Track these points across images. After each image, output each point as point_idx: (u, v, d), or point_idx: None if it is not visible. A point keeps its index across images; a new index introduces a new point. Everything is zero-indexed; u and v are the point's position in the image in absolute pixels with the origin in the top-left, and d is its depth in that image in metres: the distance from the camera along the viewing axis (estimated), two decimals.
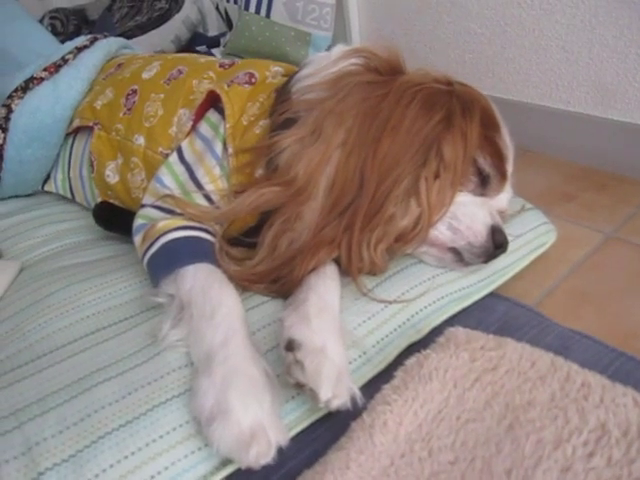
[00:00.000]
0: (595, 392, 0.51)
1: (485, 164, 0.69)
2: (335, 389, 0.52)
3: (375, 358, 0.62)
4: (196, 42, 1.56)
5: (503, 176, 0.71)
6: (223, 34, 1.54)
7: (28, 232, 0.96)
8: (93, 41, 1.06)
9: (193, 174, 0.75)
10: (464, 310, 0.69)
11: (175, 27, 1.50)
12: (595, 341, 0.65)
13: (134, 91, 0.90)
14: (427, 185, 0.65)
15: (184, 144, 0.79)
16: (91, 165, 0.92)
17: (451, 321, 0.67)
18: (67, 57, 1.01)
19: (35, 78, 0.97)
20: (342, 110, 0.67)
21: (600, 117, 1.06)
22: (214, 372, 0.53)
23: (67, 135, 1.00)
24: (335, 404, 0.52)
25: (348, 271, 0.66)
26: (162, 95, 0.86)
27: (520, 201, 0.85)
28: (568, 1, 1.02)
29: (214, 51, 1.52)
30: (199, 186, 0.74)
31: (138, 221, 0.74)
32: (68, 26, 1.47)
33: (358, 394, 0.54)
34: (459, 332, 0.59)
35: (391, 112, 0.66)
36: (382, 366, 0.62)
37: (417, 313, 0.66)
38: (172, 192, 0.74)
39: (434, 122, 0.66)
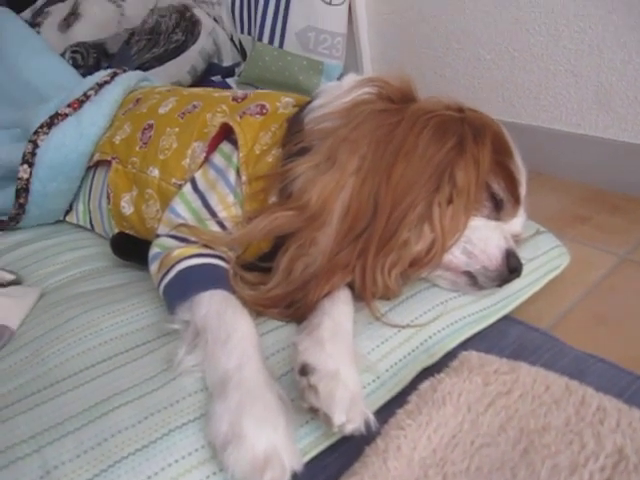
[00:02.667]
0: (611, 416, 0.51)
1: (498, 189, 0.70)
2: (349, 414, 0.52)
3: (389, 382, 0.62)
4: (211, 72, 1.60)
5: (517, 200, 0.72)
6: (237, 64, 1.58)
7: (48, 259, 0.98)
8: (113, 76, 1.09)
9: (206, 202, 0.77)
10: (478, 334, 0.70)
11: (191, 58, 1.54)
12: (611, 364, 0.65)
13: (150, 126, 0.92)
14: (440, 210, 0.66)
15: (197, 174, 0.81)
16: (108, 197, 0.94)
17: (465, 345, 0.67)
18: (89, 93, 1.04)
19: (59, 114, 1.00)
20: (356, 138, 0.69)
21: (611, 139, 1.06)
22: (229, 397, 0.54)
23: (88, 168, 1.02)
24: (349, 429, 0.52)
25: (362, 295, 0.67)
26: (177, 129, 0.89)
27: (533, 225, 0.86)
28: (576, 27, 1.04)
29: (229, 80, 1.56)
30: (212, 213, 0.76)
31: (154, 250, 0.76)
32: (88, 59, 1.52)
33: (372, 419, 0.54)
34: (472, 356, 0.60)
35: (404, 139, 0.67)
36: (396, 390, 0.62)
37: (430, 337, 0.66)
38: (186, 221, 0.76)
39: (446, 148, 0.67)
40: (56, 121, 1.00)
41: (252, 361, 0.58)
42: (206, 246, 0.73)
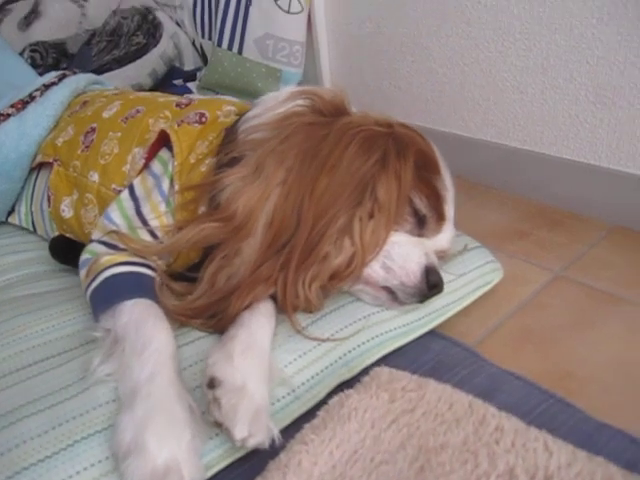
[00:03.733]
0: (507, 436, 0.52)
1: (421, 205, 0.71)
2: (251, 428, 0.53)
3: (304, 396, 0.62)
4: (173, 76, 1.60)
5: (441, 217, 0.73)
6: (199, 69, 1.58)
7: None
8: (62, 78, 1.08)
9: (139, 209, 0.77)
10: (400, 348, 0.70)
11: (152, 61, 1.53)
12: (526, 382, 0.66)
13: (93, 129, 0.92)
14: (361, 225, 0.67)
15: (136, 181, 0.81)
16: (48, 200, 0.93)
17: (386, 360, 0.68)
18: (34, 94, 1.03)
19: (1, 114, 0.99)
20: (283, 150, 0.69)
21: (555, 156, 1.08)
22: (136, 408, 0.54)
23: (32, 170, 1.01)
24: (251, 443, 0.53)
25: (283, 308, 0.67)
26: (119, 134, 0.88)
27: (465, 240, 0.87)
28: (522, 44, 1.06)
29: (190, 85, 1.55)
30: (144, 222, 0.76)
31: (84, 256, 0.76)
32: (47, 59, 1.50)
33: (276, 433, 0.54)
34: (383, 372, 0.60)
35: (330, 153, 0.68)
36: (311, 404, 0.62)
37: (350, 352, 0.67)
38: (119, 228, 0.76)
39: (370, 163, 0.68)
40: None
41: (165, 372, 0.58)
42: (136, 254, 0.73)
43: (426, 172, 0.71)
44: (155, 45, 1.52)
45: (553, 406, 0.62)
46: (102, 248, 0.74)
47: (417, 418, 0.55)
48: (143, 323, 0.63)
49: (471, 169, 1.20)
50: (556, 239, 1.01)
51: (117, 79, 1.52)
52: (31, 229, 1.04)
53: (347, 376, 0.65)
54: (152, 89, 1.58)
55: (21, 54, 1.53)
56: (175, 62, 1.61)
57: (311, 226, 0.66)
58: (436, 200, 0.72)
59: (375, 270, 0.68)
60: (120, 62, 1.50)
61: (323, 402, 0.60)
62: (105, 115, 0.94)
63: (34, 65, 1.50)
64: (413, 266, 0.68)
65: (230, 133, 0.78)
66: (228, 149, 0.74)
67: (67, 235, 0.93)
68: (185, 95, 1.01)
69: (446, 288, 0.76)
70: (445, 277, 0.76)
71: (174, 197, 0.76)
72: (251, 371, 0.58)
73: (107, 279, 0.69)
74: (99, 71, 1.50)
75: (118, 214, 0.78)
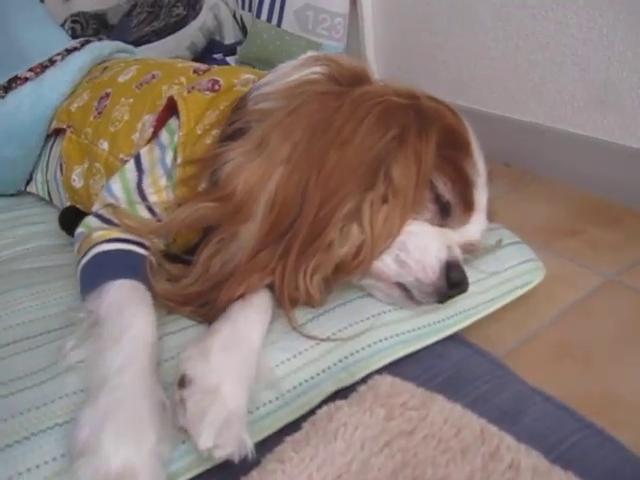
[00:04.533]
0: (523, 476, 0.42)
1: (445, 190, 0.61)
2: (219, 437, 0.46)
3: (294, 402, 0.55)
4: (213, 50, 1.54)
5: (469, 205, 0.63)
6: (239, 42, 1.51)
7: (2, 232, 0.95)
8: (85, 43, 1.04)
9: (140, 183, 0.71)
10: (414, 354, 0.61)
11: (191, 34, 1.48)
12: (558, 406, 0.55)
13: (107, 94, 0.87)
14: (372, 210, 0.58)
15: (143, 151, 0.75)
16: (61, 168, 0.89)
17: (394, 366, 0.59)
18: (55, 58, 1.00)
19: (19, 78, 0.96)
20: (291, 122, 0.61)
21: (617, 144, 0.94)
22: (99, 401, 0.48)
23: (48, 137, 0.98)
24: (218, 455, 0.46)
25: (280, 301, 0.59)
26: (131, 100, 0.83)
27: (502, 234, 0.76)
28: (585, 14, 0.92)
29: (229, 59, 1.49)
30: (143, 196, 0.70)
31: (79, 229, 0.71)
32: (87, 29, 1.48)
33: (250, 446, 0.47)
34: (384, 381, 0.52)
35: (342, 126, 0.60)
36: (301, 412, 0.54)
37: (352, 354, 0.58)
38: (118, 202, 0.70)
39: (386, 140, 0.59)
40: (14, 85, 0.96)
41: (138, 364, 0.52)
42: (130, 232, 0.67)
43: (454, 153, 0.61)
44: (195, 17, 1.46)
45: (589, 438, 0.51)
46: (97, 222, 0.69)
47: (416, 443, 0.46)
48: (125, 307, 0.58)
49: (520, 156, 1.08)
50: (611, 239, 0.88)
51: (155, 52, 1.47)
52: (47, 199, 1.01)
53: (347, 382, 0.57)
54: None
55: (63, 25, 1.52)
56: (215, 35, 1.55)
57: (316, 210, 0.58)
58: (464, 186, 0.62)
59: (387, 264, 0.59)
60: (159, 34, 1.46)
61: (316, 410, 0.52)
62: (120, 80, 0.89)
63: (74, 36, 1.48)
64: (431, 260, 0.59)
65: (241, 102, 0.71)
66: (234, 119, 0.67)
67: (78, 206, 0.88)
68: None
69: (474, 287, 0.67)
70: (473, 275, 0.67)
71: (177, 171, 0.69)
72: (229, 371, 0.50)
73: (96, 256, 0.64)
74: (138, 43, 1.46)
75: (119, 186, 0.72)
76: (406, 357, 0.61)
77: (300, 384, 0.56)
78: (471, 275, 0.66)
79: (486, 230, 0.68)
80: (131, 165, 0.74)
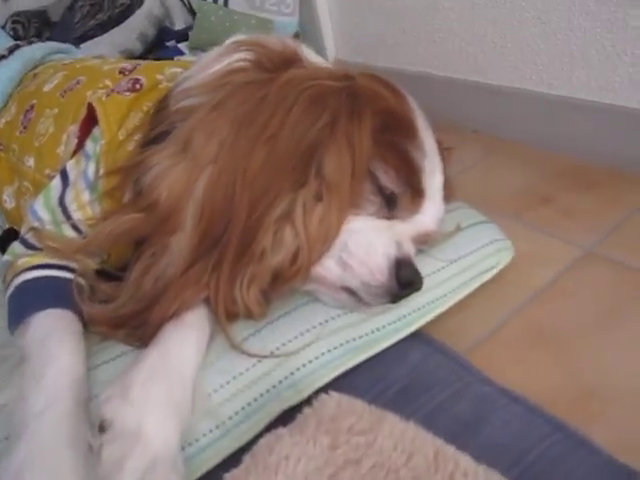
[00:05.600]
0: None
1: (388, 180, 0.55)
2: None
3: (236, 429, 0.50)
4: (165, 38, 1.46)
5: (418, 192, 0.57)
6: (191, 27, 1.43)
7: None
8: (13, 50, 0.97)
9: (63, 199, 0.65)
10: (367, 361, 0.56)
11: (138, 23, 1.40)
12: (527, 407, 0.50)
13: (32, 107, 0.81)
14: (305, 211, 0.52)
15: (69, 165, 0.69)
16: None
17: (345, 376, 0.54)
18: None
19: None
20: (215, 118, 0.55)
21: (590, 101, 0.88)
22: (17, 451, 0.44)
23: None
24: None
25: (217, 317, 0.54)
26: (56, 110, 0.77)
27: (464, 215, 0.70)
28: None
29: (181, 46, 1.41)
30: (67, 215, 0.64)
31: (4, 257, 0.65)
32: (29, 29, 1.40)
33: None
34: (330, 401, 0.46)
35: (269, 118, 0.54)
36: (247, 438, 0.50)
37: (298, 369, 0.53)
38: (43, 223, 0.65)
39: (316, 129, 0.53)
40: None
41: (60, 405, 0.48)
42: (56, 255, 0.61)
43: (394, 136, 0.55)
44: (139, 5, 1.38)
45: (560, 443, 0.47)
46: (21, 248, 0.64)
47: (363, 473, 0.41)
48: (49, 339, 0.53)
49: (489, 122, 1.01)
50: (588, 204, 0.82)
51: (104, 46, 1.40)
52: None
53: (294, 400, 0.52)
54: (143, 54, 1.45)
55: (4, 27, 1.44)
56: (164, 22, 1.46)
57: (246, 214, 0.52)
58: (410, 172, 0.56)
59: (328, 268, 0.54)
60: (104, 27, 1.38)
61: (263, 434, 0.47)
62: (45, 89, 0.82)
63: (16, 37, 1.40)
64: (377, 259, 0.53)
65: (164, 101, 0.64)
66: (157, 121, 0.61)
67: (16, 228, 0.83)
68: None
69: (432, 279, 0.61)
70: (431, 265, 0.61)
71: (100, 183, 0.64)
72: (154, 406, 0.46)
73: (20, 286, 0.59)
74: (83, 38, 1.39)
75: (42, 206, 0.66)
76: (358, 365, 0.55)
77: (243, 408, 0.51)
78: (428, 265, 0.61)
79: (444, 215, 0.62)
80: (57, 181, 0.68)
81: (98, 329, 0.57)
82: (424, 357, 0.56)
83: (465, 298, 0.65)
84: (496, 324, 0.64)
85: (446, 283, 0.63)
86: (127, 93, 0.68)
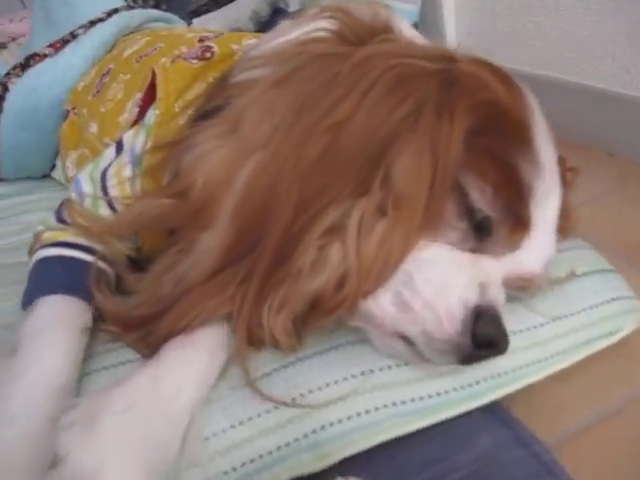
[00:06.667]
0: None
1: (482, 200, 0.41)
2: None
3: None
4: (278, 19, 1.39)
5: (522, 221, 0.42)
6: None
7: (14, 217, 0.87)
8: (111, 14, 0.93)
9: (105, 172, 0.58)
10: (415, 436, 0.42)
11: (252, 1, 1.34)
12: None
13: (109, 71, 0.76)
14: (362, 226, 0.40)
15: (127, 136, 0.62)
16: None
17: (382, 452, 0.41)
18: (77, 32, 0.90)
19: (38, 55, 0.87)
20: (275, 96, 0.45)
21: None
22: None
23: None
24: None
25: (236, 340, 0.44)
26: (129, 76, 0.71)
27: (581, 257, 0.54)
28: None
29: None
30: (104, 190, 0.57)
31: (38, 227, 0.59)
32: (148, 1, 1.40)
33: None
34: None
35: (339, 100, 0.42)
36: None
37: (324, 428, 0.41)
38: (82, 197, 0.58)
39: (394, 121, 0.40)
40: (32, 62, 0.87)
41: (30, 419, 0.40)
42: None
43: (500, 143, 0.41)
44: None
45: None
46: (52, 220, 0.58)
47: None
48: (41, 334, 0.46)
49: (631, 143, 0.82)
50: None
51: (215, 22, 1.36)
52: (66, 185, 0.93)
53: (311, 468, 0.40)
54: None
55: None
56: (279, 3, 1.39)
57: (289, 220, 0.41)
58: (515, 192, 0.41)
59: (382, 305, 0.40)
60: (218, 3, 1.34)
61: None
62: (125, 54, 0.77)
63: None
64: (450, 305, 0.39)
65: (229, 72, 0.55)
66: (214, 94, 0.52)
67: None
68: None
69: (527, 338, 0.47)
70: (526, 319, 0.47)
71: (145, 158, 0.56)
72: (123, 446, 0.36)
73: (37, 263, 0.54)
74: (197, 12, 1.36)
75: (87, 176, 0.60)
76: (403, 440, 0.42)
77: (243, 465, 0.40)
78: (522, 319, 0.46)
79: (554, 255, 0.46)
80: (110, 151, 0.61)
81: (109, 327, 0.48)
82: (496, 444, 0.42)
83: (568, 370, 0.49)
84: (605, 412, 0.47)
85: (543, 346, 0.47)
86: (195, 61, 0.60)
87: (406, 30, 0.50)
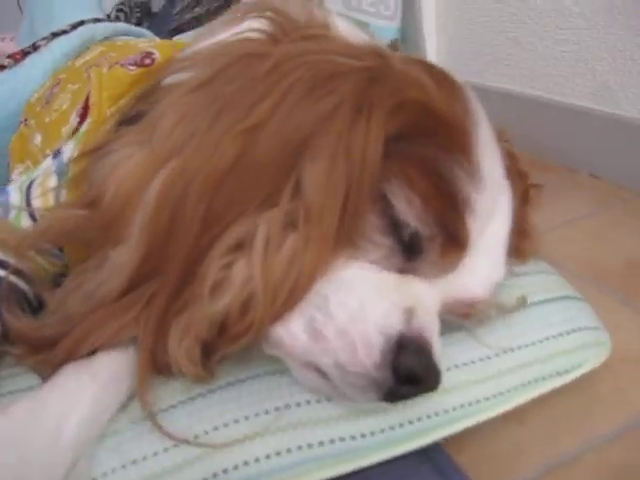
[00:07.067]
0: None
1: (409, 212, 0.36)
2: None
3: None
4: None
5: (457, 240, 0.37)
6: None
7: None
8: (76, 26, 0.91)
9: (32, 182, 0.54)
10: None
11: None
12: None
13: (59, 81, 0.73)
14: (269, 242, 0.35)
15: (67, 148, 0.59)
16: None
17: None
18: (39, 43, 0.87)
19: None
20: (193, 99, 0.41)
21: None
22: None
23: None
24: None
25: (137, 365, 0.39)
26: (77, 85, 0.68)
27: (540, 282, 0.49)
28: None
29: None
30: (28, 200, 0.53)
31: None
32: (131, 19, 1.39)
33: None
34: None
35: (257, 101, 0.38)
36: None
37: (227, 471, 0.36)
38: (7, 207, 0.54)
39: (309, 123, 0.36)
40: None
41: None
42: None
43: (431, 148, 0.36)
44: (238, 2, 1.31)
45: None
46: None
47: None
48: None
49: (613, 165, 0.77)
50: None
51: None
52: None
53: None
54: None
55: (108, 15, 1.43)
56: None
57: (194, 236, 0.37)
58: (448, 206, 0.37)
59: (292, 332, 0.36)
60: (200, 20, 1.32)
61: None
62: (77, 63, 0.74)
63: None
64: (366, 333, 0.34)
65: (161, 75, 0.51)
66: (141, 97, 0.49)
67: None
68: None
69: (471, 372, 0.41)
70: (470, 351, 0.42)
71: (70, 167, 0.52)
72: None
73: None
74: (178, 30, 1.34)
75: (17, 187, 0.56)
76: None
77: None
78: (465, 351, 0.41)
79: (504, 278, 0.41)
80: (47, 162, 0.57)
81: (15, 349, 0.44)
82: None
83: (523, 409, 0.43)
84: (561, 458, 0.42)
85: (490, 382, 0.42)
86: (132, 67, 0.57)
87: (345, 30, 0.46)
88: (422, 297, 0.37)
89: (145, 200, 0.39)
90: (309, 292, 0.35)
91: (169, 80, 0.47)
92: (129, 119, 0.48)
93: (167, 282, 0.38)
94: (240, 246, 0.36)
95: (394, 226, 0.36)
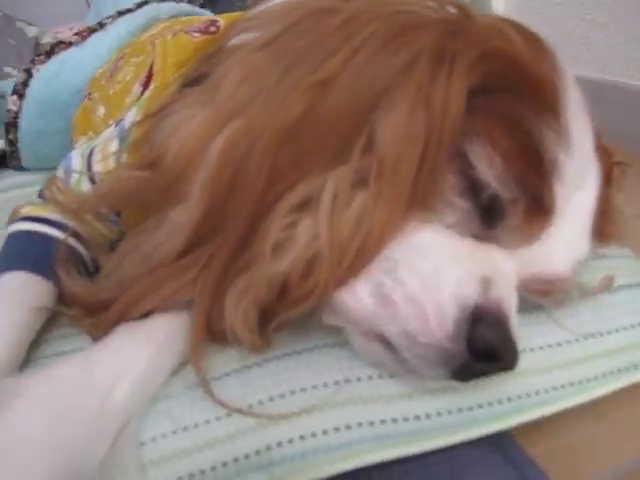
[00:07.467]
0: None
1: (490, 173, 0.33)
2: None
3: None
4: None
5: (543, 205, 0.34)
6: None
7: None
8: (141, 5, 0.92)
9: (93, 150, 0.54)
10: (398, 462, 0.34)
11: None
12: None
13: (124, 55, 0.74)
14: (337, 200, 0.33)
15: (129, 114, 0.58)
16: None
17: (357, 477, 0.33)
18: (105, 22, 0.89)
19: (63, 42, 0.86)
20: (259, 58, 0.40)
21: None
22: None
23: None
24: None
25: (192, 331, 0.37)
26: (141, 57, 0.68)
27: (619, 267, 0.44)
28: None
29: None
30: (89, 165, 0.53)
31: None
32: (194, 3, 1.40)
33: None
34: None
35: (329, 55, 0.36)
36: None
37: (281, 445, 0.33)
38: (70, 173, 0.55)
39: (386, 75, 0.33)
40: (57, 50, 0.86)
41: None
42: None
43: (518, 105, 0.33)
44: None
45: None
46: (36, 196, 0.54)
47: None
48: None
49: None
50: None
51: None
52: None
53: None
54: None
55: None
56: None
57: (258, 194, 0.36)
58: (534, 168, 0.33)
59: (359, 297, 0.33)
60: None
61: None
62: (142, 38, 0.74)
63: None
64: (440, 301, 0.31)
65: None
66: (204, 59, 0.48)
67: None
68: None
69: (549, 357, 0.38)
70: (549, 334, 0.38)
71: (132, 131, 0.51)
72: (34, 441, 0.30)
73: (9, 236, 0.50)
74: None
75: (79, 153, 0.56)
76: (378, 468, 0.34)
77: (188, 476, 0.33)
78: (544, 334, 0.38)
79: (588, 257, 0.38)
80: (109, 131, 0.57)
81: (71, 311, 0.43)
82: None
83: (604, 402, 0.39)
84: None
85: (570, 369, 0.38)
86: (196, 34, 0.56)
87: None
88: (500, 267, 0.33)
89: (207, 159, 0.38)
90: (378, 255, 0.32)
91: (234, 41, 0.45)
92: (192, 81, 0.46)
93: (227, 242, 0.36)
94: (306, 205, 0.33)
95: (473, 188, 0.33)
